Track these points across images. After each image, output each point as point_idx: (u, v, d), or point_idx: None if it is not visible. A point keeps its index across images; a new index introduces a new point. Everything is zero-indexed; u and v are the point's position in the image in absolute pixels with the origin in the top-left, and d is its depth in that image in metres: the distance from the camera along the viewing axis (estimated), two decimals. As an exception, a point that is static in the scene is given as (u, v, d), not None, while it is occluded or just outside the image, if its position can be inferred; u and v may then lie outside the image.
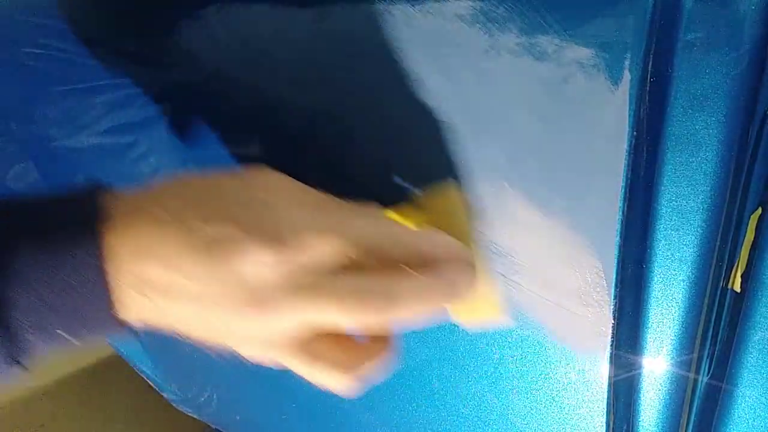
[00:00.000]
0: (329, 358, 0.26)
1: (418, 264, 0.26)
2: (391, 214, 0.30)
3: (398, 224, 0.27)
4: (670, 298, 0.32)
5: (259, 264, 0.23)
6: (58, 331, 0.24)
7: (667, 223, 0.32)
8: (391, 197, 0.31)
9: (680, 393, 0.33)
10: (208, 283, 0.23)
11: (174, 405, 0.56)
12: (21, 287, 0.23)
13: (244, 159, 0.40)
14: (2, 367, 0.24)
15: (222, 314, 0.24)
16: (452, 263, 0.26)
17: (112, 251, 0.23)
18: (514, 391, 0.36)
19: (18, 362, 0.24)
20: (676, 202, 0.31)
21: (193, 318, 0.24)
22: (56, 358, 0.25)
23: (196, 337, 0.25)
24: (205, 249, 0.23)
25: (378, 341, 0.28)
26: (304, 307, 0.24)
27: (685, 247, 0.31)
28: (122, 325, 0.25)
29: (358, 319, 0.24)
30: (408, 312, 0.24)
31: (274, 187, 0.26)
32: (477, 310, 0.32)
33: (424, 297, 0.25)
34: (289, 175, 0.27)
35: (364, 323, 0.24)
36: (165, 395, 0.56)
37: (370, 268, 0.25)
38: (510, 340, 0.35)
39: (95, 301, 0.23)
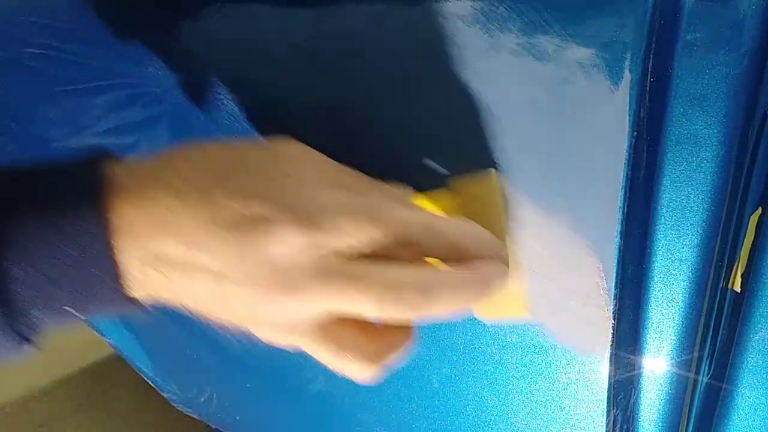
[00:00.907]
0: (353, 346, 0.24)
1: (450, 256, 0.24)
2: (422, 200, 0.28)
3: (432, 212, 0.25)
4: (670, 298, 0.32)
5: (291, 246, 0.22)
6: (65, 307, 0.23)
7: (667, 223, 0.32)
8: (420, 181, 0.30)
9: (680, 393, 0.33)
10: (233, 263, 0.22)
11: (174, 405, 0.56)
12: (25, 262, 0.21)
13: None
14: (11, 344, 0.23)
15: (245, 295, 0.22)
16: (486, 258, 0.25)
17: (123, 224, 0.22)
18: (514, 391, 0.36)
19: (27, 339, 0.23)
20: (676, 202, 0.31)
21: (212, 297, 0.23)
22: (65, 331, 0.24)
23: (211, 316, 0.24)
24: (233, 227, 0.22)
25: (398, 327, 0.26)
26: (334, 295, 0.22)
27: (685, 247, 0.31)
28: (131, 301, 0.23)
29: (389, 312, 0.23)
30: (440, 308, 0.23)
31: (304, 162, 0.25)
32: (502, 306, 0.31)
33: (458, 294, 0.23)
34: None
35: (393, 315, 0.23)
36: (165, 395, 0.56)
37: (401, 257, 0.24)
38: (510, 340, 0.35)
39: (101, 277, 0.22)
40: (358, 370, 0.25)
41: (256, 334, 0.25)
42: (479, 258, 0.25)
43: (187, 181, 0.22)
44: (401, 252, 0.24)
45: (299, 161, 0.25)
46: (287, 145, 0.25)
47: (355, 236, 0.23)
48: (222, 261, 0.22)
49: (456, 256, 0.25)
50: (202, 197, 0.22)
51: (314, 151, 0.25)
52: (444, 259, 0.25)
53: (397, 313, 0.23)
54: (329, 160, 0.25)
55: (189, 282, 0.23)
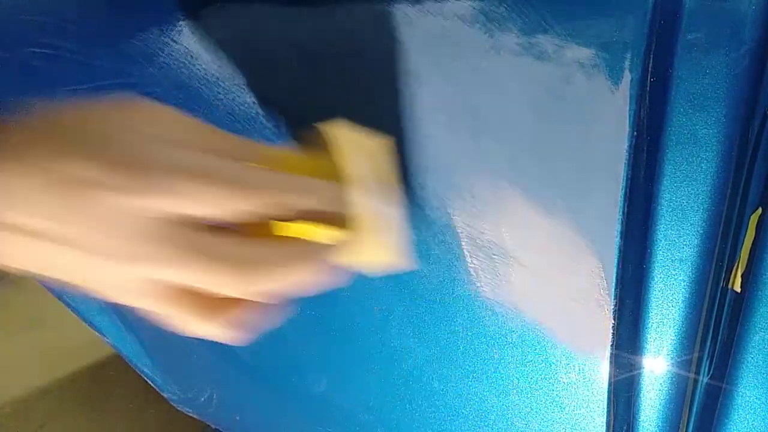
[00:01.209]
0: (197, 308, 0.24)
1: (296, 217, 0.24)
2: (274, 154, 0.27)
3: (282, 172, 0.25)
4: (670, 298, 0.32)
5: (119, 209, 0.21)
6: None
7: (667, 223, 0.32)
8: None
9: (680, 393, 0.33)
10: (65, 227, 0.22)
11: (174, 405, 0.56)
12: None
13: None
14: None
15: (84, 258, 0.22)
16: (330, 215, 0.25)
17: None
18: (515, 391, 0.36)
19: None
20: (676, 202, 0.31)
21: (62, 262, 0.23)
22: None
23: (67, 281, 0.24)
24: (62, 190, 0.21)
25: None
26: (166, 263, 0.22)
27: (685, 247, 0.31)
28: None
29: (221, 287, 0.22)
30: (283, 282, 0.23)
31: (152, 119, 0.24)
32: (372, 255, 0.29)
33: (302, 264, 0.23)
34: None
35: (227, 290, 0.23)
36: (165, 395, 0.56)
37: (245, 224, 0.23)
38: (510, 340, 0.35)
39: None
40: (206, 330, 0.25)
41: (106, 296, 0.24)
42: (324, 214, 0.25)
43: (30, 146, 0.22)
44: (246, 215, 0.23)
45: (147, 118, 0.24)
46: (137, 101, 0.24)
47: (195, 201, 0.22)
48: (55, 225, 0.22)
49: (301, 215, 0.24)
50: (37, 161, 0.22)
51: (170, 109, 0.25)
52: (290, 217, 0.24)
53: (237, 287, 0.22)
54: (187, 119, 0.25)
55: (41, 247, 0.22)
